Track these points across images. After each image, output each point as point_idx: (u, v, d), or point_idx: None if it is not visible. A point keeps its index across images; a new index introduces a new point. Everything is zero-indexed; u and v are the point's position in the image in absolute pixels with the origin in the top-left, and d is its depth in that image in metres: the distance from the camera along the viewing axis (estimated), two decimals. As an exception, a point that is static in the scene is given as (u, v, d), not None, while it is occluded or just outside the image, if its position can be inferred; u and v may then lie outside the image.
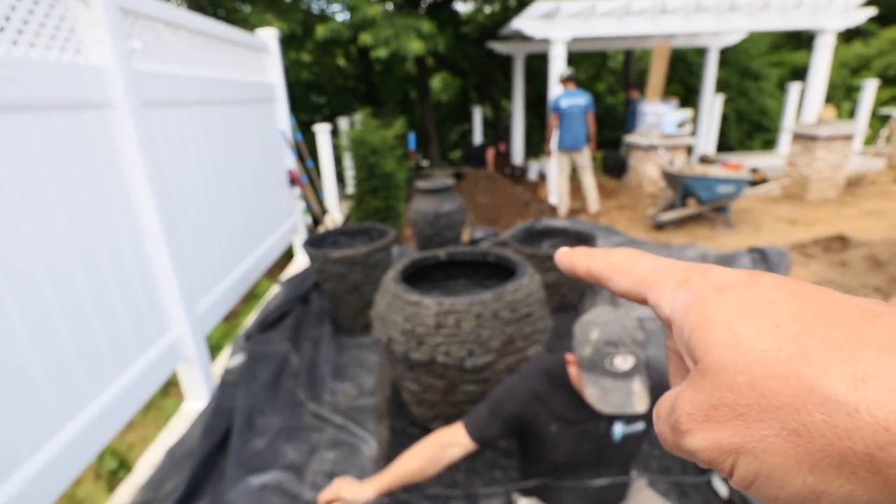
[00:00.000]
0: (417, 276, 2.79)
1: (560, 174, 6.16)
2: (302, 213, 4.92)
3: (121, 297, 2.18)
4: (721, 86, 12.03)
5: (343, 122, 7.48)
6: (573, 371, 1.34)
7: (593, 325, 1.24)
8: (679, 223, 5.64)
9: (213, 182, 3.18)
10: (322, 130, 6.18)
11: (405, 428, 2.54)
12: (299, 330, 3.49)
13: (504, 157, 9.07)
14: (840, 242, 4.20)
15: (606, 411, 1.20)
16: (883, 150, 8.19)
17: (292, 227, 4.72)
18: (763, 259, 3.24)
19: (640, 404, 1.20)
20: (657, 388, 1.42)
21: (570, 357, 1.34)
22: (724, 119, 12.09)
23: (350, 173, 5.31)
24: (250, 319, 3.73)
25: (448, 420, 2.35)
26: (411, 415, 2.58)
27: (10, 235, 1.65)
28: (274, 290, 4.30)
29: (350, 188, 6.09)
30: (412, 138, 5.87)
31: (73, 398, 1.90)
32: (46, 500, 1.73)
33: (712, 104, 9.63)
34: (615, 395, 1.20)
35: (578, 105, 5.67)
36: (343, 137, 5.36)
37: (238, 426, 2.50)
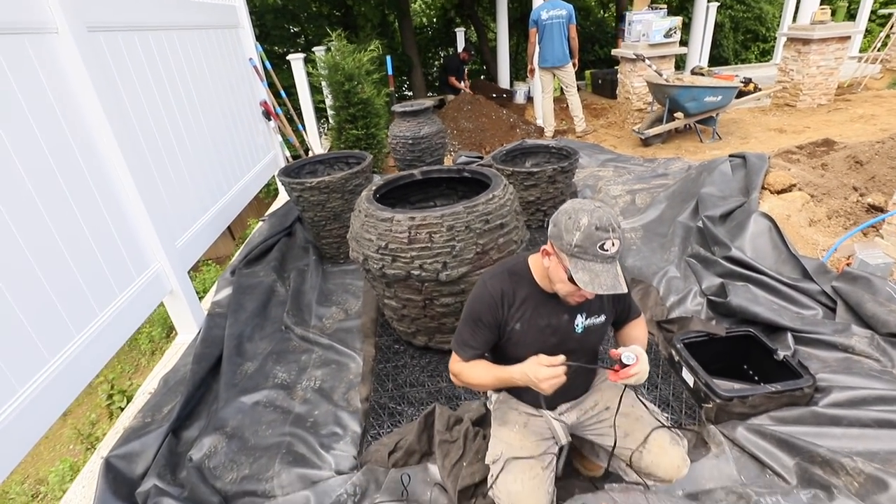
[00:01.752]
0: (394, 200, 2.76)
1: (544, 93, 5.96)
2: (280, 147, 4.80)
3: (92, 234, 2.16)
4: (716, -8, 11.35)
5: (319, 52, 7.10)
6: (547, 262, 1.33)
7: (581, 212, 1.23)
8: (666, 137, 5.53)
9: (179, 115, 3.06)
10: (296, 59, 5.89)
11: (390, 345, 2.62)
12: (284, 262, 3.52)
13: (465, 65, 8.50)
14: (826, 146, 4.15)
15: (599, 293, 1.21)
16: (879, 55, 7.88)
17: (272, 161, 4.62)
18: (743, 164, 3.22)
19: (624, 285, 1.24)
20: None
21: (547, 249, 1.33)
22: (719, 29, 11.55)
23: (329, 102, 5.11)
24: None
25: (429, 334, 2.43)
26: (395, 332, 2.66)
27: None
28: (257, 227, 4.28)
29: (330, 122, 5.90)
30: (389, 61, 5.61)
31: (59, 332, 1.94)
32: (41, 424, 1.81)
33: (706, 12, 9.14)
34: (605, 278, 1.22)
35: (559, 17, 5.38)
36: (318, 64, 5.11)
37: (228, 352, 2.58)
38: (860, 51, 9.41)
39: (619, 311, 1.54)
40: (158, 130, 2.81)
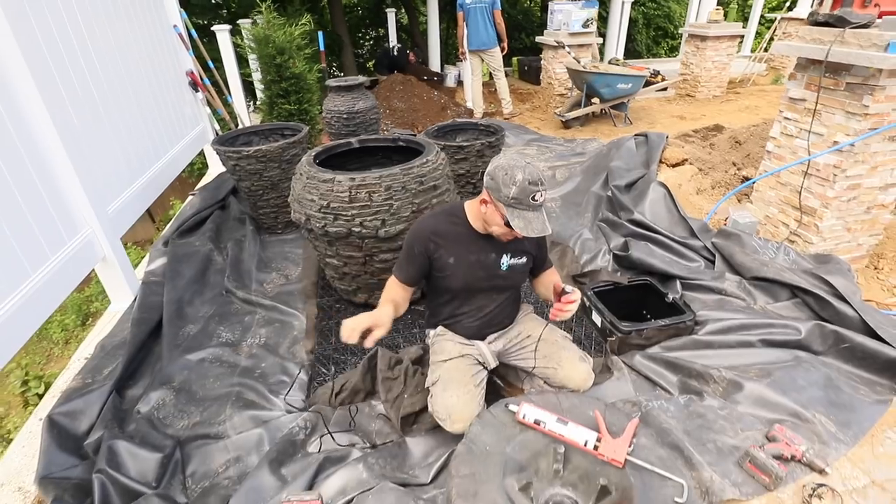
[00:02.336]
0: (332, 168, 2.88)
1: (473, 76, 6.22)
2: (210, 120, 4.69)
3: (21, 193, 2.12)
4: (631, -12, 12.16)
5: (246, 24, 6.87)
6: (484, 209, 1.56)
7: (516, 168, 1.46)
8: (585, 121, 5.99)
9: (104, 77, 2.97)
10: (222, 30, 5.72)
11: (332, 304, 2.77)
12: (220, 233, 3.51)
13: (414, 67, 8.82)
14: (716, 130, 4.75)
15: (532, 236, 1.48)
16: (765, 55, 8.91)
17: (200, 133, 4.51)
18: (646, 141, 3.66)
19: (549, 228, 1.50)
20: None
21: (484, 198, 1.55)
22: (634, 24, 12.40)
23: (257, 76, 5.02)
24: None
25: (369, 291, 2.60)
26: (336, 292, 2.81)
27: None
28: (188, 201, 4.19)
29: (260, 97, 5.78)
30: (321, 37, 5.59)
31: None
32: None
33: (622, 7, 9.81)
34: (536, 223, 1.47)
35: (482, 1, 5.63)
36: (245, 37, 5.00)
37: (168, 316, 2.59)
38: (751, 51, 10.53)
39: (538, 257, 1.81)
40: (83, 93, 2.72)
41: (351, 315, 2.61)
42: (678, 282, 2.60)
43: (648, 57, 13.07)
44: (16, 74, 2.15)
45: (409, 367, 2.08)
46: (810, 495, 1.46)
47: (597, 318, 2.42)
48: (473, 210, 1.65)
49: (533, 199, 1.46)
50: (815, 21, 2.52)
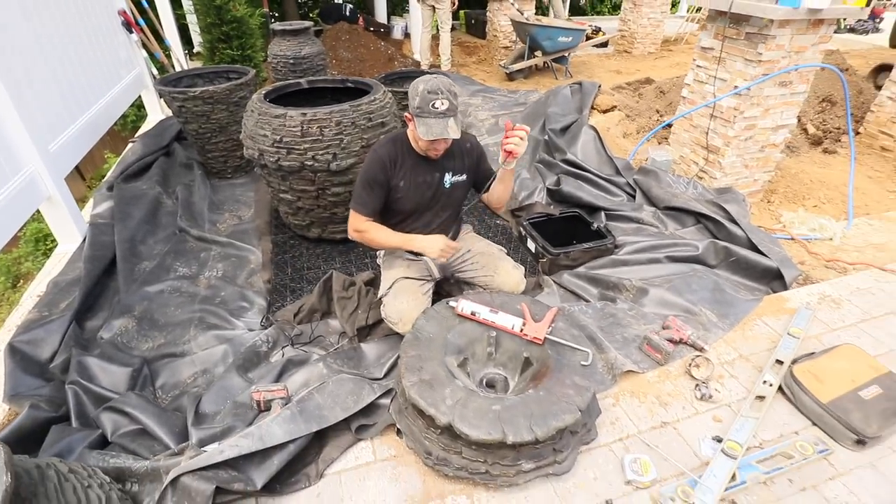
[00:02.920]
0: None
1: (423, 27, 6.22)
2: (147, 64, 4.51)
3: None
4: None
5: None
6: (411, 126, 1.74)
7: (420, 82, 1.65)
8: (528, 74, 6.19)
9: (36, 15, 2.85)
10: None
11: (286, 240, 2.90)
12: (167, 178, 3.50)
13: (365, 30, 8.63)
14: (647, 83, 5.08)
15: (431, 138, 1.64)
16: (697, 15, 9.35)
17: (137, 78, 4.35)
18: (580, 89, 3.92)
19: (454, 133, 1.66)
20: (473, 147, 1.94)
21: (406, 116, 1.73)
22: (578, -20, 12.51)
23: (192, 18, 4.82)
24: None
25: (322, 225, 2.75)
26: (290, 229, 2.94)
27: None
28: (130, 147, 4.08)
29: (198, 41, 5.55)
30: (262, -20, 5.41)
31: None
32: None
33: (566, -38, 9.89)
34: (437, 128, 1.65)
35: (433, -52, 5.59)
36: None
37: (122, 254, 2.64)
38: (687, 11, 10.97)
39: (478, 172, 1.99)
40: (15, 29, 2.62)
41: (306, 250, 2.80)
42: (603, 213, 2.92)
43: (592, 15, 13.28)
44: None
45: (362, 287, 2.29)
46: (690, 365, 1.82)
47: (531, 245, 2.70)
48: (412, 133, 1.83)
49: (433, 106, 1.64)
50: (724, -25, 2.79)
